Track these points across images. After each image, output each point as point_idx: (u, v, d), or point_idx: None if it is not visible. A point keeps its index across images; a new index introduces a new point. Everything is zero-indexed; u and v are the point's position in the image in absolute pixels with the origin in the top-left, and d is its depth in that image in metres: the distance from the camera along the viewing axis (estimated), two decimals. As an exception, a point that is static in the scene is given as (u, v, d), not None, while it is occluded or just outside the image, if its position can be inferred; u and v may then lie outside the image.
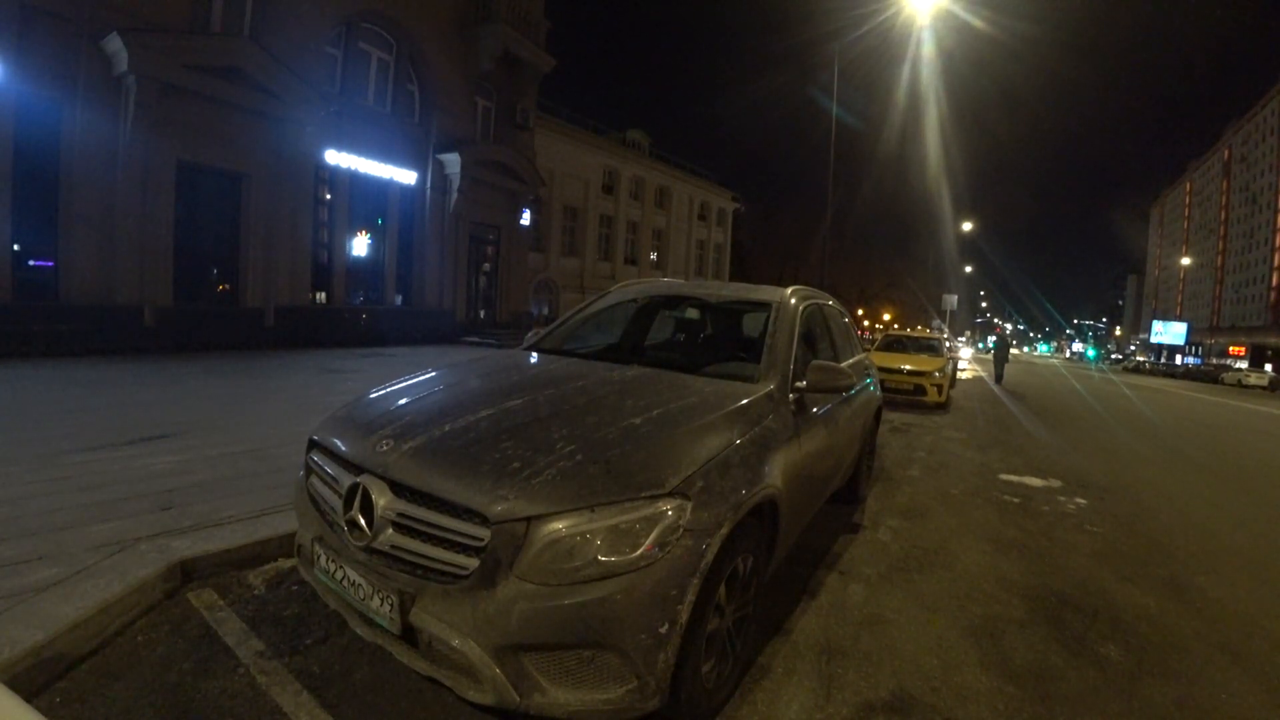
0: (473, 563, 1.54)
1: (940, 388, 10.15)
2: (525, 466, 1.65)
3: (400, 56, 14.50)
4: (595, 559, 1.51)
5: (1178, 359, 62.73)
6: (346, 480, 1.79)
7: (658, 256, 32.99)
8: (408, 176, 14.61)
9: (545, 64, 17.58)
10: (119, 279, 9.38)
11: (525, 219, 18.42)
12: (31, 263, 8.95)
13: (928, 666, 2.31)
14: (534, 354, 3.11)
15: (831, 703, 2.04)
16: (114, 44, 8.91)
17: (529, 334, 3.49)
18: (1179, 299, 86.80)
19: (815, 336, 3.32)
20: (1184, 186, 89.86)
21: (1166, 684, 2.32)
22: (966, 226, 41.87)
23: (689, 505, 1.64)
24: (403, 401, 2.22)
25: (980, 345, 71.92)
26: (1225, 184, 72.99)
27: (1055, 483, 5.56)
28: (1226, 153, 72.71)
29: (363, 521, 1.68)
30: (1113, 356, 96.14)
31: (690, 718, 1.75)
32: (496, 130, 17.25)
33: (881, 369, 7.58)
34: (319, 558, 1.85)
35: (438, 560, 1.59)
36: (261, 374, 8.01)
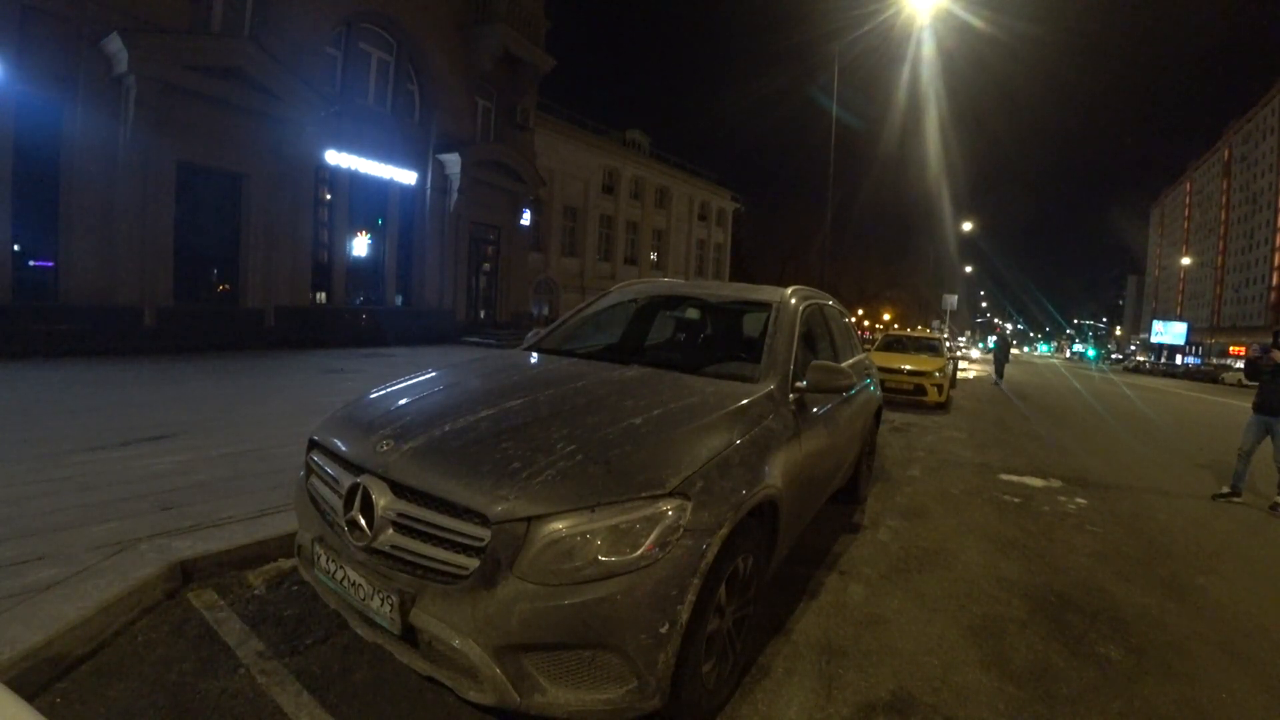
0: (473, 563, 1.54)
1: (940, 388, 10.15)
2: (525, 466, 1.65)
3: (400, 57, 14.49)
4: (595, 559, 1.51)
5: (1178, 359, 62.63)
6: (347, 480, 1.79)
7: (658, 256, 32.99)
8: (408, 177, 14.60)
9: (545, 64, 17.58)
10: (119, 279, 9.37)
11: (525, 219, 18.42)
12: (31, 263, 8.95)
13: (928, 666, 2.31)
14: (534, 354, 3.11)
15: (832, 703, 2.04)
16: (114, 44, 8.89)
17: (529, 334, 3.49)
18: (1179, 299, 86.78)
19: (815, 337, 3.32)
20: (1184, 186, 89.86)
21: (1166, 684, 2.32)
22: (966, 226, 41.93)
23: (689, 505, 1.64)
24: (403, 402, 2.22)
25: (980, 345, 71.92)
26: (1225, 184, 72.98)
27: (1055, 482, 5.56)
28: (1226, 153, 72.69)
29: (363, 522, 1.68)
30: (1113, 356, 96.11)
31: (690, 718, 1.75)
32: (496, 130, 17.24)
33: (881, 369, 7.57)
34: (319, 558, 1.85)
35: (438, 560, 1.59)
36: (262, 374, 8.01)
